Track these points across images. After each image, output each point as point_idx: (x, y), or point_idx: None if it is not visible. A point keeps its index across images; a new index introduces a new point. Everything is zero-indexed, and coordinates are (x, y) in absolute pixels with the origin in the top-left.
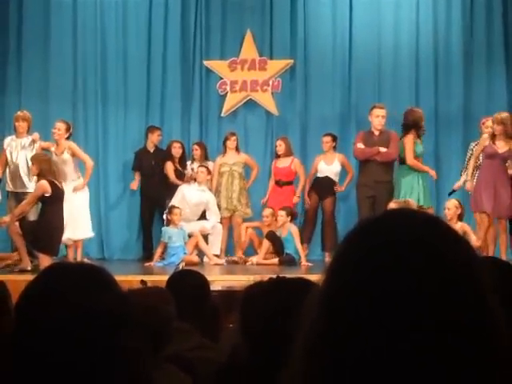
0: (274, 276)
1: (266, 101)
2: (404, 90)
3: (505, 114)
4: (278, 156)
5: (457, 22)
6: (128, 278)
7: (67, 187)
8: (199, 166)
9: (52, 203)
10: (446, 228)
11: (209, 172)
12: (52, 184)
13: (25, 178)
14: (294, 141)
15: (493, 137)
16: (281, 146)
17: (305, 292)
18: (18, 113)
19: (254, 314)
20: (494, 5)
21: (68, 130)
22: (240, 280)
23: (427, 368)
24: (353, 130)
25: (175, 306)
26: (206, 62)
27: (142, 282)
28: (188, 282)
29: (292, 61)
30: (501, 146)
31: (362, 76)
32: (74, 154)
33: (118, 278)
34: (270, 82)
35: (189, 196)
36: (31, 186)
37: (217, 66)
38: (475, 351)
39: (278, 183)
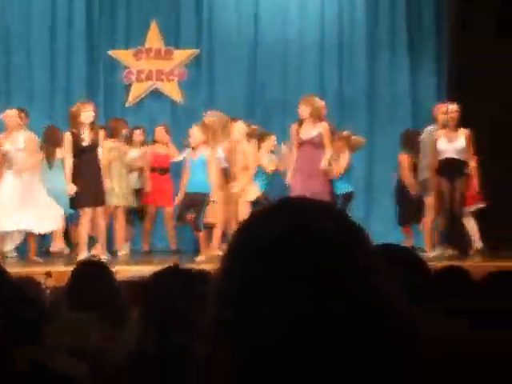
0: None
1: (172, 90)
2: (309, 75)
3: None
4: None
5: (361, 6)
6: None
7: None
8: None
9: None
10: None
11: None
12: None
13: None
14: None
15: None
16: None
17: (200, 279)
18: None
19: (156, 302)
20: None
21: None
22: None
23: (319, 341)
24: (258, 118)
25: (76, 296)
26: (110, 52)
27: (47, 273)
28: (91, 272)
29: (198, 50)
30: None
31: (267, 64)
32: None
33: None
34: (176, 72)
35: None
36: None
37: (122, 55)
38: (360, 322)
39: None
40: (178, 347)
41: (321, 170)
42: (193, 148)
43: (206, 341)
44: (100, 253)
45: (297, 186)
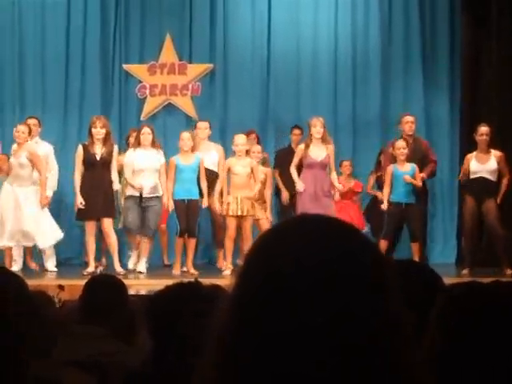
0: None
1: (186, 105)
2: (323, 93)
3: None
4: None
5: (375, 27)
6: None
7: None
8: None
9: None
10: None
11: None
12: None
13: None
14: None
15: None
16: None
17: (211, 296)
18: None
19: (161, 318)
20: (411, 12)
21: (30, 133)
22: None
23: (329, 364)
24: (271, 133)
25: (88, 311)
26: (125, 66)
27: (60, 286)
28: (104, 286)
29: (211, 65)
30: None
31: (280, 80)
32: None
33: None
34: (190, 86)
35: None
36: None
37: (136, 69)
38: (376, 349)
39: None
40: (184, 365)
41: (329, 192)
42: None
43: (210, 363)
44: (115, 266)
45: (305, 207)
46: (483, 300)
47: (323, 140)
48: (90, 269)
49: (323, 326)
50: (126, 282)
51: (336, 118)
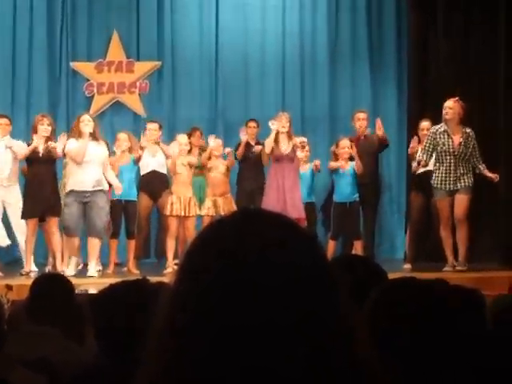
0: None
1: (134, 103)
2: (270, 93)
3: None
4: None
5: (322, 23)
6: None
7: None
8: None
9: None
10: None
11: None
12: None
13: None
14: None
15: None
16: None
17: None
18: None
19: (103, 316)
20: (358, 7)
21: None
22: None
23: (291, 358)
24: (219, 132)
25: (40, 309)
26: (72, 64)
27: (8, 286)
28: (50, 285)
29: (159, 63)
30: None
31: (229, 77)
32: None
33: None
34: (137, 84)
35: None
36: None
37: (83, 67)
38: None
39: None
40: (131, 362)
41: (296, 185)
42: None
43: (154, 357)
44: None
45: (271, 202)
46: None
47: (289, 134)
48: (30, 266)
49: (286, 321)
50: (74, 281)
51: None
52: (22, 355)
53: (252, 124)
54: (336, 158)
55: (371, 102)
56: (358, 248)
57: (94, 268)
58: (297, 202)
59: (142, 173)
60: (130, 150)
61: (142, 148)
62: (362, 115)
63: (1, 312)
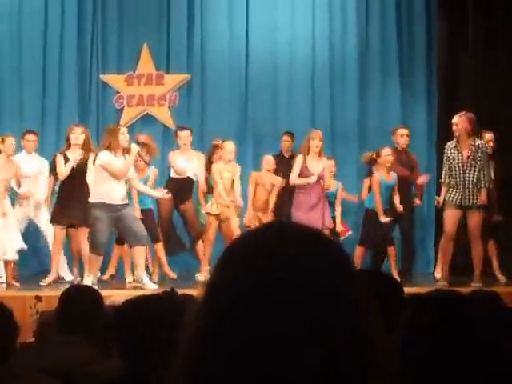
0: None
1: (163, 115)
2: (300, 104)
3: None
4: None
5: (352, 36)
6: None
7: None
8: None
9: None
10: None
11: None
12: None
13: None
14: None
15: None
16: None
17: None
18: None
19: (125, 329)
20: (388, 18)
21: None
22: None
23: (306, 367)
24: (249, 144)
25: (67, 319)
26: (102, 77)
27: (37, 297)
28: (80, 296)
29: (189, 75)
30: None
31: (258, 89)
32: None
33: None
34: (167, 97)
35: None
36: None
37: (113, 80)
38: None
39: None
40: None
41: (325, 203)
42: None
43: (180, 372)
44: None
45: (301, 218)
46: (448, 305)
47: (320, 154)
48: (52, 277)
49: (303, 335)
50: (103, 292)
51: (314, 128)
52: (48, 364)
53: (286, 138)
54: (374, 164)
55: (400, 117)
56: (391, 254)
57: (146, 279)
58: (326, 212)
59: (173, 175)
60: (151, 156)
61: (146, 163)
62: (405, 131)
63: (9, 321)
